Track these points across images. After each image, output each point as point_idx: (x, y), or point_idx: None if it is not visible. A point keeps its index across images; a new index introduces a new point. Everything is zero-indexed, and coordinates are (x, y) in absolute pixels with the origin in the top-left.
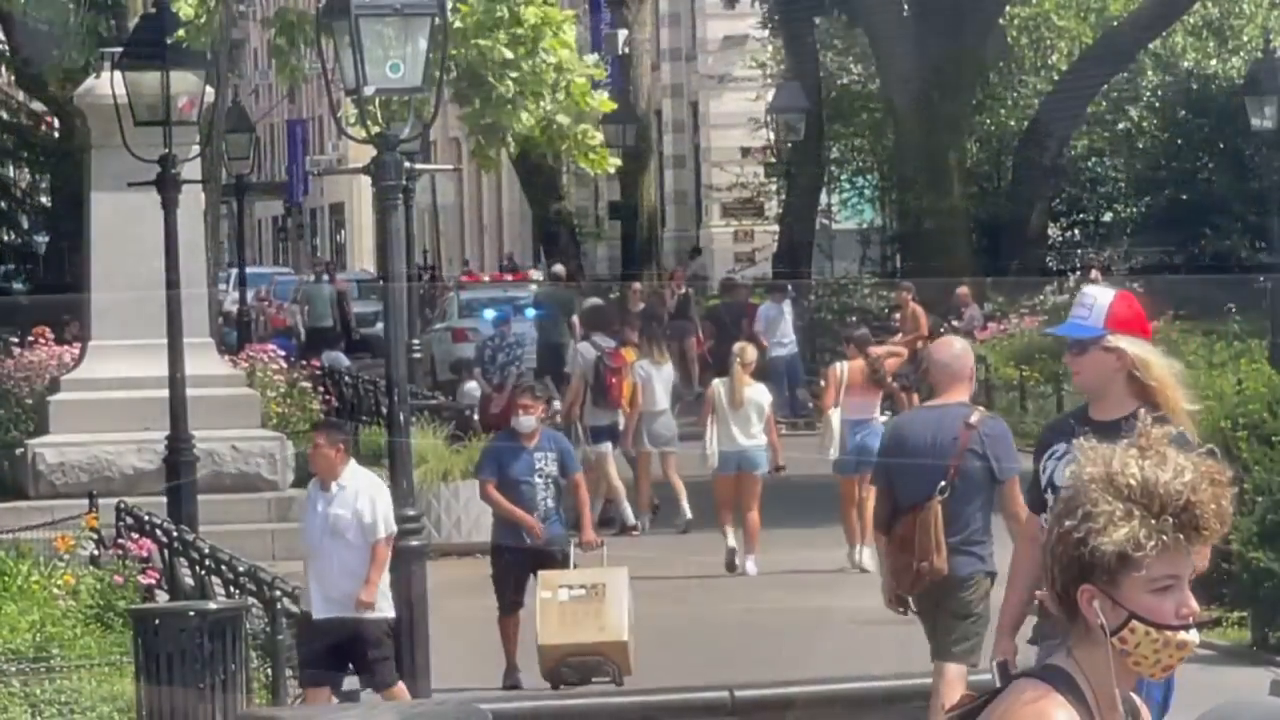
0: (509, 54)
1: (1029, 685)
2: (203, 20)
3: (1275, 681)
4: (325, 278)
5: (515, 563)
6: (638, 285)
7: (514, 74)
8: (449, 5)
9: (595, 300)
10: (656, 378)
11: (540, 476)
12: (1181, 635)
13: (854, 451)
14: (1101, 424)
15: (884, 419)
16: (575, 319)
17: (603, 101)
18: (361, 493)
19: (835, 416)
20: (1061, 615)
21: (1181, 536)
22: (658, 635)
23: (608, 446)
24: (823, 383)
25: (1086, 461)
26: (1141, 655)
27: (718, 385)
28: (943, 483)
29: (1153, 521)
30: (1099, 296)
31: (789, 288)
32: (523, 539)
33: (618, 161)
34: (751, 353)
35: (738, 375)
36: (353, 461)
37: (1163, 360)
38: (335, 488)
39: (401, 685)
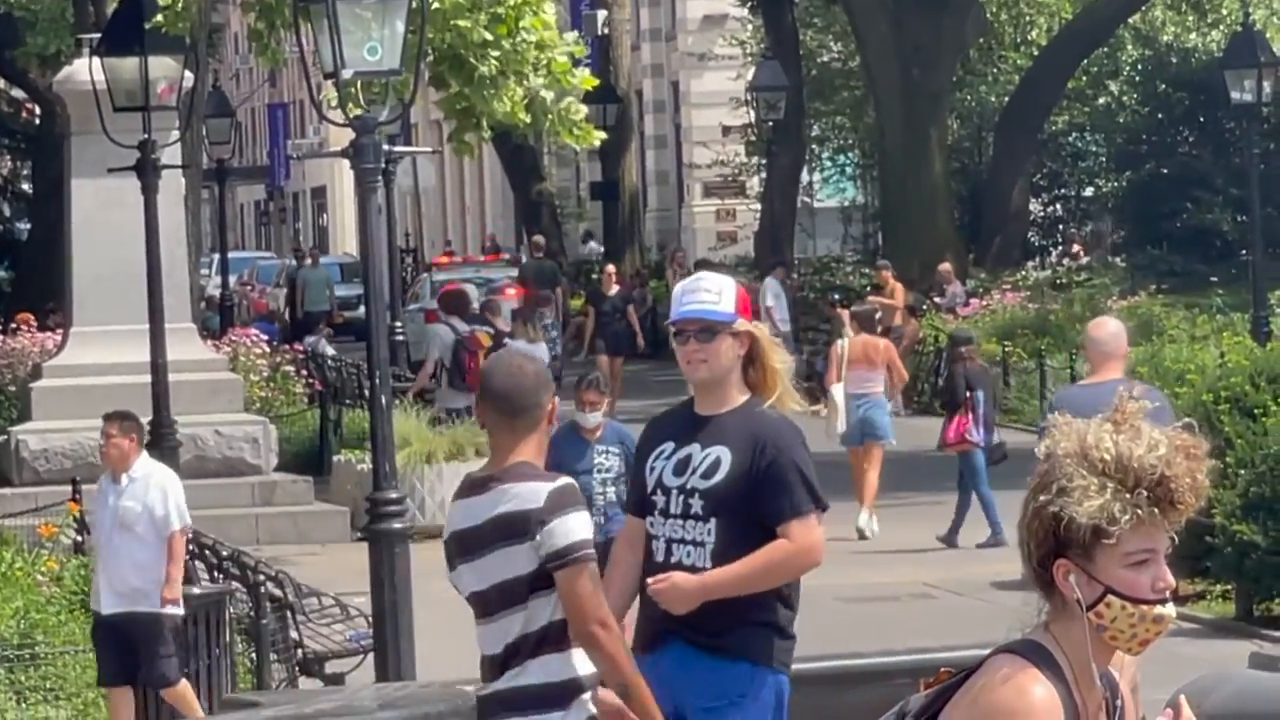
0: (488, 35)
1: (1007, 660)
2: (180, 6)
3: (1255, 654)
4: (308, 262)
5: None
6: (611, 268)
7: (495, 53)
8: None
9: (456, 287)
10: None
11: (600, 472)
12: (1158, 609)
13: (857, 424)
14: (704, 419)
15: (881, 392)
16: (557, 292)
17: (585, 79)
18: (153, 485)
19: (839, 392)
20: (1037, 590)
21: (1156, 510)
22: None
23: None
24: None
25: (1061, 436)
26: (1118, 629)
27: None
28: None
29: (1127, 495)
30: (724, 283)
31: (784, 265)
32: None
33: (603, 135)
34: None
35: None
36: (145, 453)
37: (779, 350)
38: (126, 480)
39: (185, 684)
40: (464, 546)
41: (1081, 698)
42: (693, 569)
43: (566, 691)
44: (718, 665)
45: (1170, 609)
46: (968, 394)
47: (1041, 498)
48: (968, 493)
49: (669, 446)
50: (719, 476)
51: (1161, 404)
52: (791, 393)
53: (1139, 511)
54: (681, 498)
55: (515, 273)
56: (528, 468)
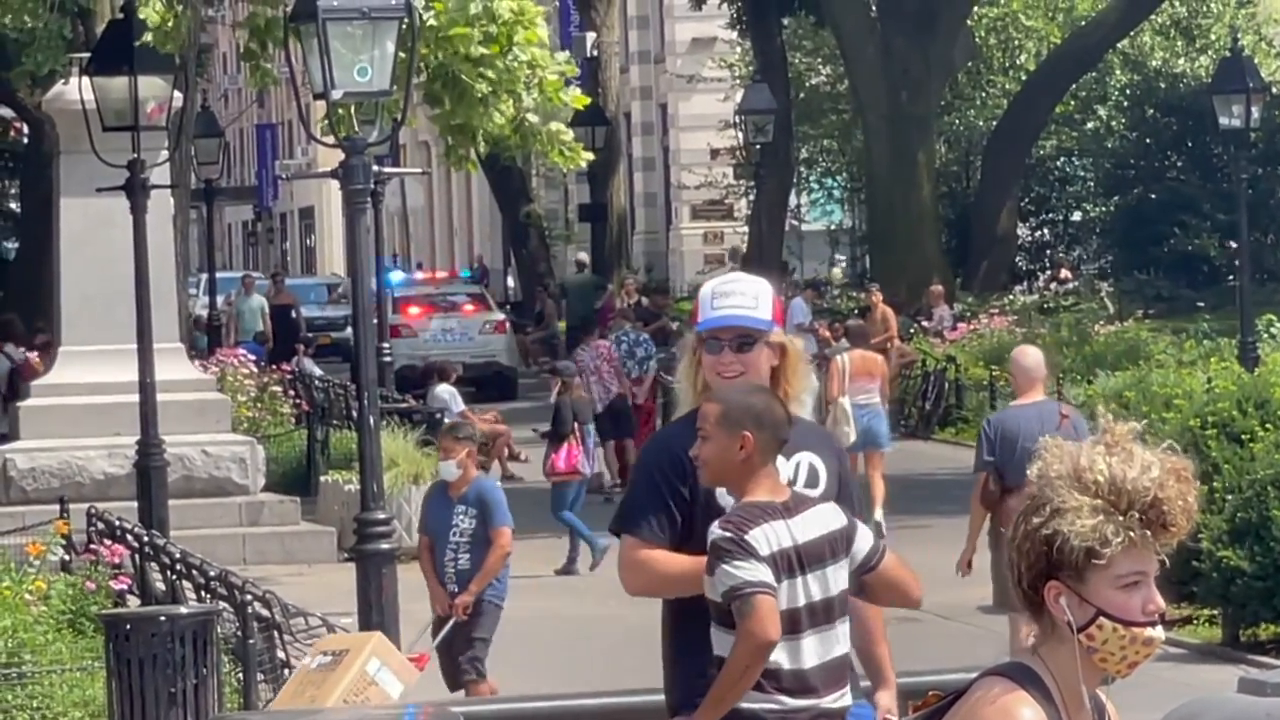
0: (484, 50)
1: (995, 683)
2: (170, 26)
3: (1242, 679)
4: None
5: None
6: (630, 279)
7: (489, 71)
8: (422, 3)
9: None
10: None
11: (456, 536)
12: (1148, 632)
13: (861, 434)
14: None
15: (879, 403)
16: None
17: (576, 98)
18: None
19: (846, 403)
20: (1028, 612)
21: (1148, 533)
22: (631, 638)
23: None
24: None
25: (1053, 459)
26: (1108, 652)
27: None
28: None
29: (1120, 518)
30: (759, 286)
31: (815, 287)
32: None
33: (590, 155)
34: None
35: None
36: None
37: (806, 364)
38: None
39: None
40: (811, 557)
41: None
42: None
43: None
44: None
45: (1160, 631)
46: (575, 425)
47: (1034, 520)
48: (569, 521)
49: None
50: (823, 485)
51: (1083, 421)
52: (806, 402)
53: (1131, 534)
54: None
55: (475, 290)
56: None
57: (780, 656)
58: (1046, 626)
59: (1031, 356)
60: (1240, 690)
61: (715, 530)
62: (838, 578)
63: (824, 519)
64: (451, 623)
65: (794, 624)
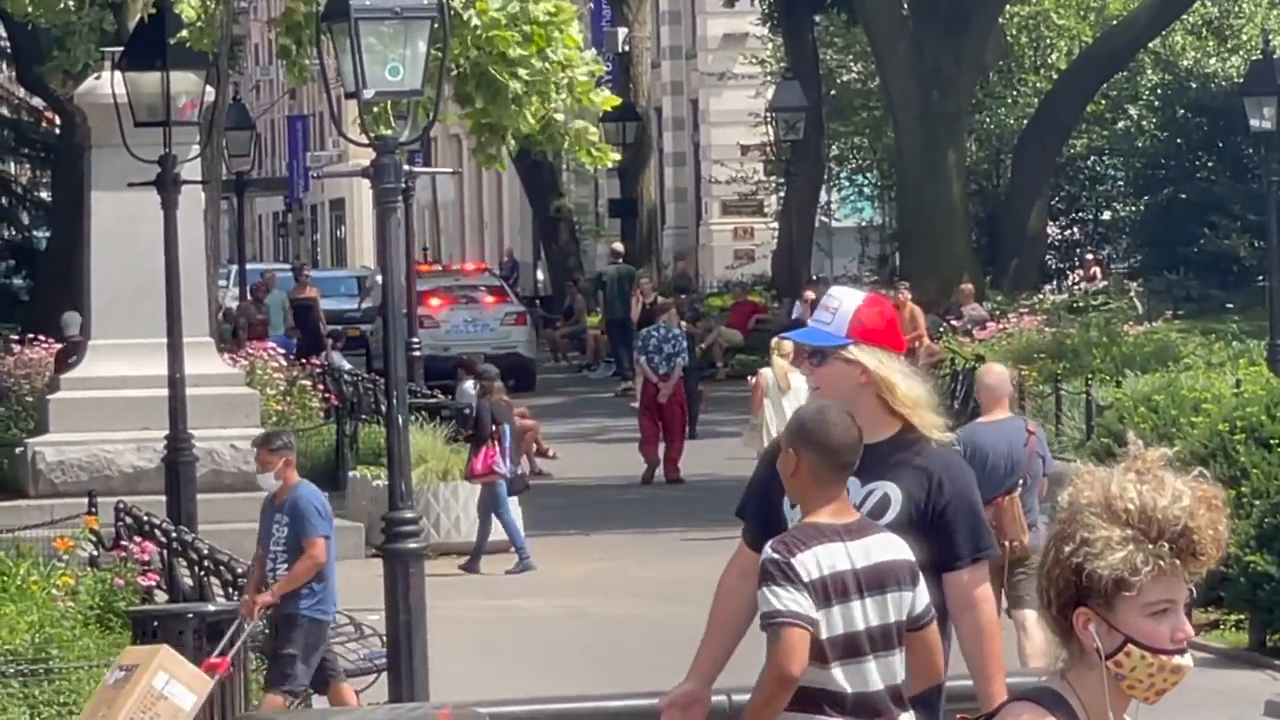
0: (522, 50)
1: (1024, 708)
2: (204, 23)
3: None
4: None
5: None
6: (644, 276)
7: (523, 71)
8: (461, 3)
9: None
10: None
11: (275, 546)
12: (1176, 660)
13: None
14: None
15: None
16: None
17: (606, 99)
18: None
19: None
20: (1057, 637)
21: (1178, 562)
22: (657, 638)
23: None
24: None
25: (1084, 485)
26: (1136, 679)
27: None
28: (1022, 479)
29: (1149, 546)
30: (844, 299)
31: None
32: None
33: (617, 156)
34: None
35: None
36: None
37: (908, 381)
38: None
39: None
40: (871, 583)
41: None
42: None
43: None
44: None
45: (1188, 660)
46: (494, 426)
47: (1065, 548)
48: (488, 523)
49: None
50: (890, 515)
51: (1040, 438)
52: (928, 421)
53: (1161, 563)
54: None
55: (495, 283)
56: (868, 519)
57: (842, 680)
58: (1075, 652)
59: (995, 374)
60: (1267, 714)
61: (766, 550)
62: (899, 606)
63: (890, 547)
64: (237, 625)
65: (853, 648)
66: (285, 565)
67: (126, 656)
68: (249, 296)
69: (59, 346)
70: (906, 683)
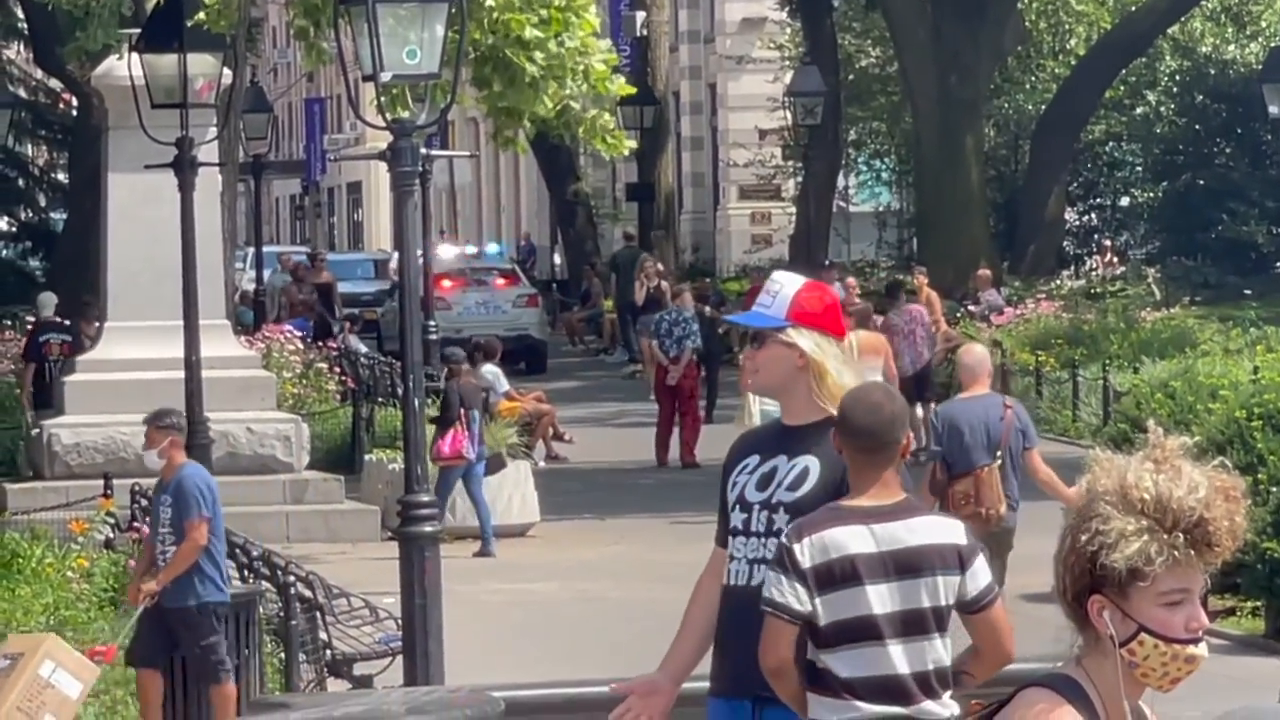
0: (539, 34)
1: (1039, 694)
2: (220, 6)
3: None
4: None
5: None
6: (648, 260)
7: (539, 55)
8: None
9: None
10: None
11: (161, 527)
12: (1190, 649)
13: None
14: (792, 430)
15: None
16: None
17: (621, 86)
18: None
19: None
20: (1072, 624)
21: (1193, 552)
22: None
23: None
24: None
25: (1101, 473)
26: (1150, 667)
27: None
28: (999, 452)
29: (1165, 537)
30: (785, 283)
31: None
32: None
33: (633, 143)
34: None
35: None
36: None
37: (840, 370)
38: None
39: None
40: (902, 565)
41: None
42: None
43: None
44: None
45: (1203, 649)
46: (462, 410)
47: (1080, 537)
48: (484, 505)
49: (753, 460)
50: (807, 487)
51: (1025, 411)
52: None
53: (1176, 553)
54: (765, 513)
55: (506, 266)
56: (916, 500)
57: (846, 663)
58: (1090, 639)
59: (974, 354)
60: None
61: (783, 531)
62: (936, 590)
63: (934, 530)
64: (124, 609)
65: (864, 632)
66: (174, 547)
67: (11, 644)
68: (291, 277)
69: (29, 328)
70: (965, 666)
